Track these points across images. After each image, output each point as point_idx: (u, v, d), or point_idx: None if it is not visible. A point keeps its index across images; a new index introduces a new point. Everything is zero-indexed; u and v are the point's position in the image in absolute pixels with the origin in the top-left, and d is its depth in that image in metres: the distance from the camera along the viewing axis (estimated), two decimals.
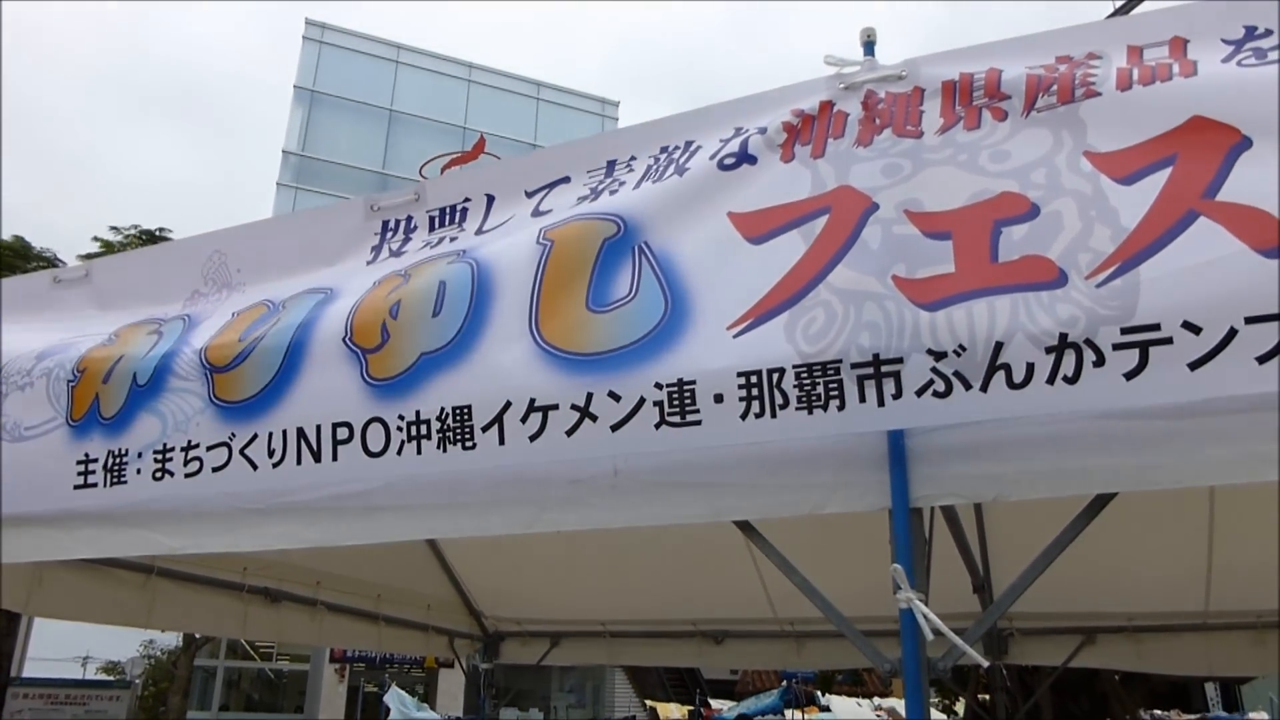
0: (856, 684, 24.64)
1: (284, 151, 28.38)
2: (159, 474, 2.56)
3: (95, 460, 2.68)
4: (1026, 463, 1.87)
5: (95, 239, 19.08)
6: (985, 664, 1.86)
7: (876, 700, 22.72)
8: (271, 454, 2.41)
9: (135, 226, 19.38)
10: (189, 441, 2.55)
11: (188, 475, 2.52)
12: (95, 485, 2.65)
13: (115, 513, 2.67)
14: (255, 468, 2.44)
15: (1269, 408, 1.67)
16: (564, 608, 5.73)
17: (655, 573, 4.93)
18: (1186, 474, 1.77)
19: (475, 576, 5.72)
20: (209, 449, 2.51)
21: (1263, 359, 1.59)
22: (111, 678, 28.64)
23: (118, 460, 2.64)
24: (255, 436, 2.45)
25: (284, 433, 2.41)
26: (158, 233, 19.36)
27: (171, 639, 23.21)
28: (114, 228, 19.31)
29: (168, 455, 2.56)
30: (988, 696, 6.29)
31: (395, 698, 13.17)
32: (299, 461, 2.37)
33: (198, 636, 18.85)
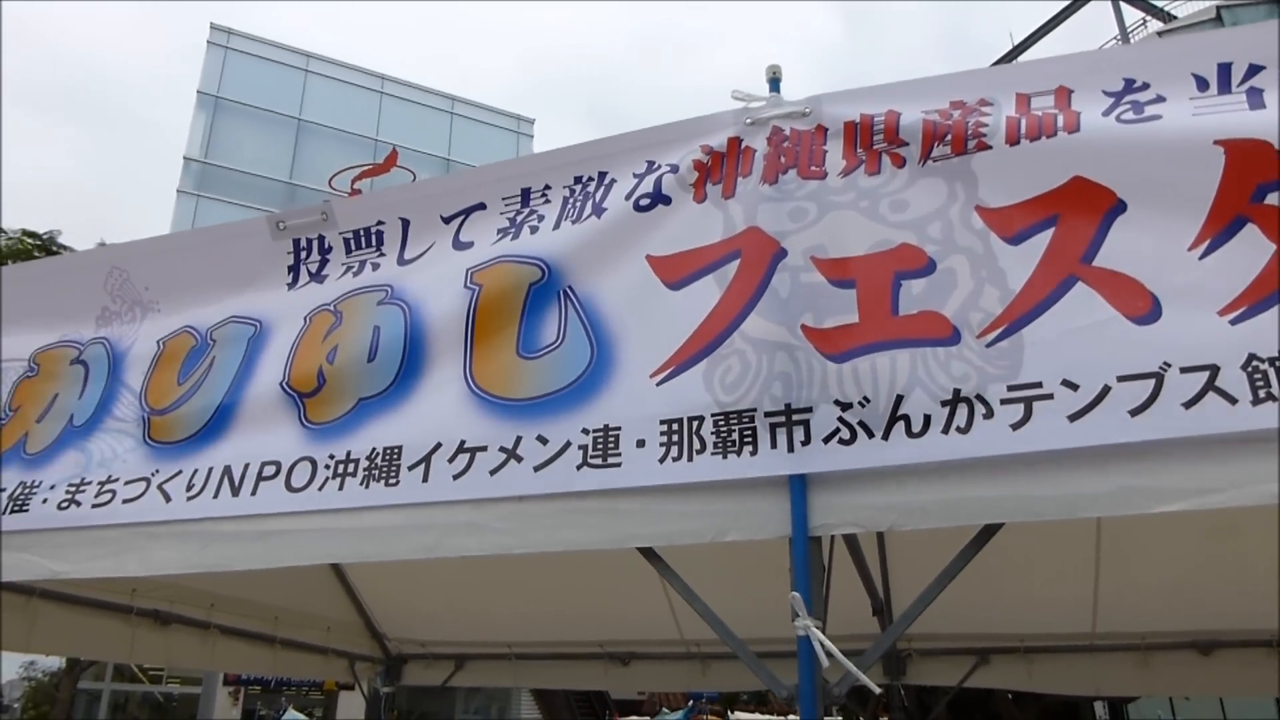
0: (761, 704, 24.85)
1: (185, 158, 27.49)
2: (65, 504, 2.54)
3: (2, 490, 2.65)
4: (919, 495, 1.95)
5: None
6: (878, 690, 1.91)
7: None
8: (190, 488, 2.42)
9: (22, 230, 18.52)
10: (108, 476, 2.54)
11: (95, 506, 2.50)
12: None
13: (7, 538, 2.60)
14: (168, 499, 2.43)
15: (1143, 445, 1.78)
16: (469, 629, 5.66)
17: (562, 594, 4.91)
18: (1067, 506, 1.87)
19: (378, 598, 5.62)
20: (127, 483, 2.50)
21: (1135, 412, 1.74)
22: None
23: (26, 490, 2.62)
24: (179, 473, 2.46)
25: (209, 470, 2.42)
26: (46, 237, 18.55)
27: (54, 661, 22.11)
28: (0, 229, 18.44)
29: (81, 488, 2.55)
30: (886, 717, 6.42)
31: None
32: (216, 495, 2.38)
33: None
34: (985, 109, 2.14)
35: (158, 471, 2.49)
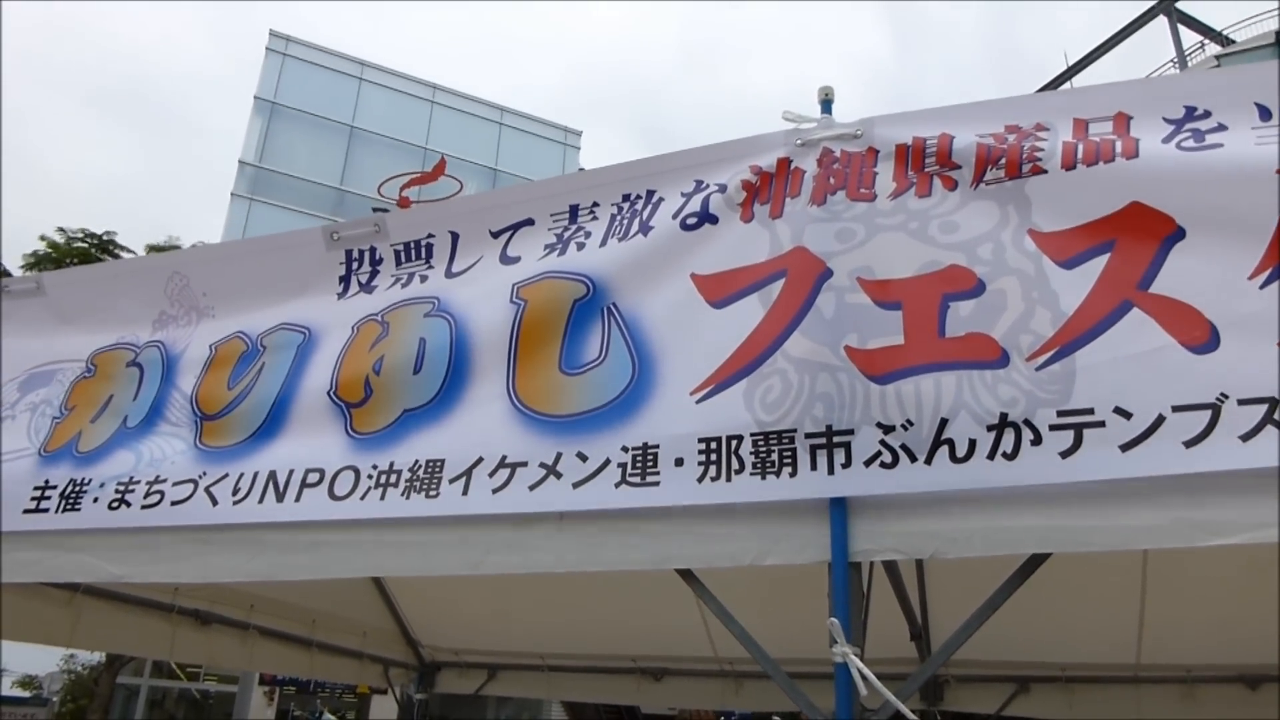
0: None
1: (240, 162, 27.99)
2: (115, 504, 2.58)
3: (54, 487, 2.68)
4: (963, 522, 1.92)
5: (42, 238, 18.66)
6: (914, 718, 1.88)
7: None
8: (236, 492, 2.45)
9: (82, 230, 18.96)
10: (156, 476, 2.57)
11: (144, 507, 2.53)
12: (46, 510, 2.64)
13: (61, 538, 2.65)
14: (215, 503, 2.46)
15: (1196, 477, 1.74)
16: (503, 639, 5.67)
17: (596, 607, 4.91)
18: (1117, 538, 1.83)
19: (414, 605, 5.65)
20: (175, 484, 2.53)
21: (1190, 443, 1.69)
22: (27, 694, 27.65)
23: (77, 488, 2.66)
24: (225, 476, 2.49)
25: (255, 474, 2.45)
26: (104, 237, 18.97)
27: (94, 655, 22.48)
28: (61, 229, 18.87)
29: (130, 488, 2.58)
30: None
31: None
32: (261, 500, 2.41)
33: None
34: (1041, 134, 2.11)
35: (205, 474, 2.52)
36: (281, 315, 2.80)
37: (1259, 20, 25.03)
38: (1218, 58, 23.49)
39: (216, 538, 2.49)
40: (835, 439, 1.95)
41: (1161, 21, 25.27)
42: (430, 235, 2.74)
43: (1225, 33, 25.47)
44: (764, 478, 1.98)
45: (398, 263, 2.76)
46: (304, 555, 2.43)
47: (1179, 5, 25.11)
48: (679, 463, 2.06)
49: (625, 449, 2.12)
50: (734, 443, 2.03)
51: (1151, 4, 25.11)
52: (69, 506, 2.62)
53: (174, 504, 2.50)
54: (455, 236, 2.71)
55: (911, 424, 1.90)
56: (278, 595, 4.93)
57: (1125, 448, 1.74)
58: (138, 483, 2.58)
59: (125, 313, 3.05)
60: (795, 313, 2.12)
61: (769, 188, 2.32)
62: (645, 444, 2.11)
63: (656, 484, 2.06)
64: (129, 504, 2.55)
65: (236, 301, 2.92)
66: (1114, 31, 25.58)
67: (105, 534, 2.59)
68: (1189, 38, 25.58)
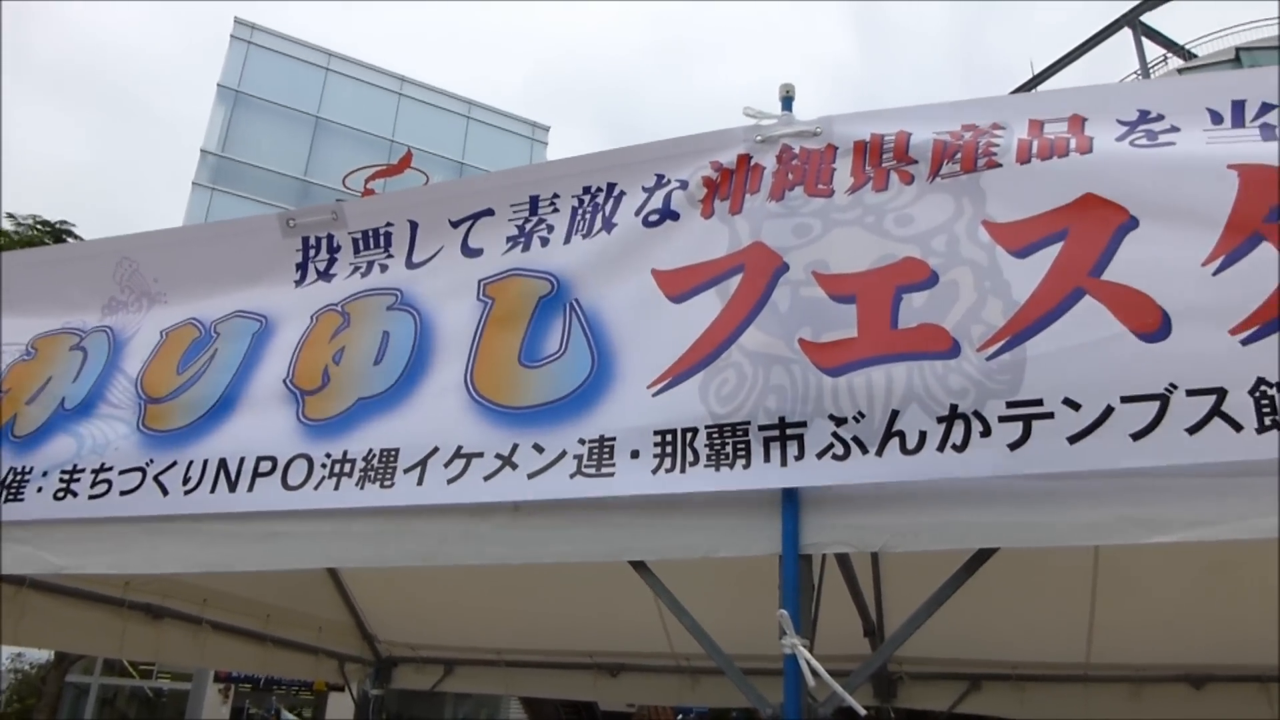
0: None
1: (202, 151, 27.59)
2: (61, 494, 2.53)
3: None
4: (912, 516, 1.94)
5: None
6: (863, 712, 1.89)
7: None
8: (187, 481, 2.41)
9: (33, 217, 18.56)
10: (102, 464, 2.53)
11: (92, 497, 2.49)
12: None
13: (4, 529, 2.58)
14: (166, 493, 2.42)
15: (1141, 474, 1.77)
16: (460, 634, 5.64)
17: (554, 603, 4.90)
18: (1061, 534, 1.85)
19: (370, 600, 5.61)
20: (122, 473, 2.49)
21: (1137, 435, 1.70)
22: None
23: (19, 477, 2.60)
24: (174, 464, 2.45)
25: (204, 462, 2.41)
26: (59, 225, 18.59)
27: (43, 653, 22.02)
28: (11, 215, 18.47)
29: (75, 476, 2.53)
30: None
31: None
32: (213, 490, 2.38)
33: None
34: (997, 131, 2.14)
35: (152, 461, 2.48)
36: (237, 302, 2.77)
37: (1221, 36, 25.58)
38: (1180, 71, 23.93)
39: (167, 528, 2.45)
40: (788, 431, 1.96)
41: (1126, 34, 25.66)
42: (389, 224, 2.72)
43: (1188, 47, 25.95)
44: (718, 469, 1.99)
45: (356, 251, 2.74)
46: (258, 546, 2.40)
47: (1144, 19, 25.52)
48: (634, 454, 2.07)
49: (582, 441, 2.12)
50: (689, 435, 2.04)
51: (1117, 16, 25.52)
52: (12, 496, 2.56)
53: (123, 493, 2.46)
54: (414, 226, 2.69)
55: (863, 416, 1.91)
56: (231, 589, 4.86)
57: (1073, 440, 1.75)
58: (83, 471, 2.52)
59: (73, 298, 2.99)
60: (751, 307, 2.13)
61: (729, 184, 2.33)
62: (602, 436, 2.11)
63: (612, 474, 2.07)
64: (75, 494, 2.50)
65: (189, 288, 2.88)
66: (1080, 42, 25.95)
67: (49, 525, 2.53)
68: (1153, 51, 26.02)
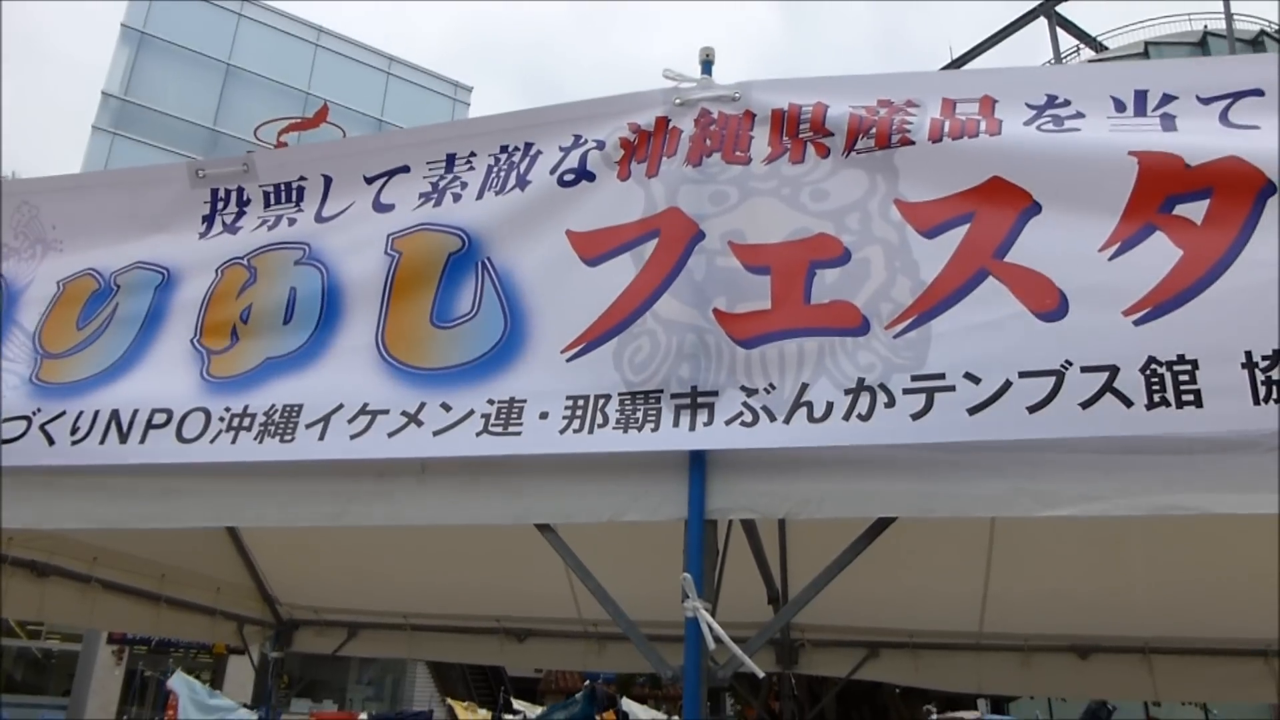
0: (656, 687, 25.06)
1: (104, 93, 26.32)
2: None
3: None
4: (816, 485, 1.98)
5: None
6: (761, 674, 1.93)
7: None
8: (75, 431, 2.33)
9: None
10: None
11: None
12: None
13: None
14: (52, 442, 2.33)
15: (1038, 448, 1.82)
16: (364, 597, 5.57)
17: (461, 566, 4.87)
18: (958, 504, 1.90)
19: (271, 560, 5.49)
20: (7, 421, 2.39)
21: (1033, 409, 1.76)
22: None
23: None
24: (63, 413, 2.37)
25: (95, 412, 2.33)
26: None
27: None
28: None
29: None
30: (778, 705, 6.54)
31: (183, 683, 12.17)
32: (103, 441, 2.29)
33: None
34: (911, 109, 2.17)
35: (39, 410, 2.38)
36: (138, 253, 2.67)
37: (1131, 30, 26.51)
38: (1090, 61, 24.70)
39: (59, 482, 2.36)
40: (700, 400, 1.99)
41: (1042, 23, 26.34)
42: (302, 178, 2.65)
43: (1099, 39, 26.81)
44: (625, 431, 2.00)
45: (266, 204, 2.66)
46: (155, 503, 2.33)
47: (1059, 9, 26.23)
48: (544, 415, 2.07)
49: (491, 401, 2.11)
50: (601, 401, 2.05)
51: (1034, 5, 26.16)
52: None
53: (5, 442, 2.35)
54: (328, 180, 2.62)
55: (774, 387, 1.95)
56: (124, 547, 4.69)
57: (972, 411, 1.80)
58: None
59: None
60: (666, 274, 2.14)
61: (646, 146, 2.32)
62: (512, 398, 2.10)
63: (519, 434, 2.06)
64: None
65: (89, 236, 2.77)
66: (997, 29, 26.55)
67: None
68: (1067, 41, 26.80)
